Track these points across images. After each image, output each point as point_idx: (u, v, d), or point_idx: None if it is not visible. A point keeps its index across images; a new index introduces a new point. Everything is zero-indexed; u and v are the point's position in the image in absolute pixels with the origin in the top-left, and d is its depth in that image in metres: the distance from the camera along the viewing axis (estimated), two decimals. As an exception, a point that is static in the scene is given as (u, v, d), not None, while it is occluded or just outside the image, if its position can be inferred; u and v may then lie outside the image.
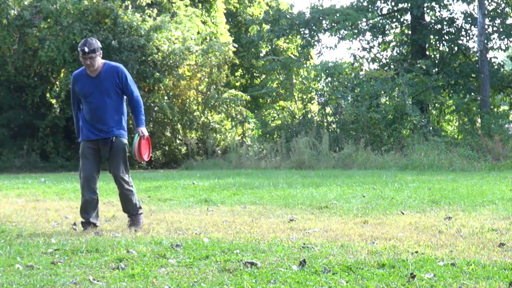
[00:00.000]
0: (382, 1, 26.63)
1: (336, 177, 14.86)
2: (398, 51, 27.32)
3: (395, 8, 26.95)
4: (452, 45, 26.23)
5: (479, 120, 22.03)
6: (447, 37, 26.18)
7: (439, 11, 26.34)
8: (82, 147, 7.18)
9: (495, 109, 24.25)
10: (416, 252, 5.36)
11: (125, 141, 7.23)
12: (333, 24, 25.98)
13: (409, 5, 25.49)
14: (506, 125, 21.25)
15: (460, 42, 26.21)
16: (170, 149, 25.65)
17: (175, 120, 24.18)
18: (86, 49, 6.88)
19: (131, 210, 7.21)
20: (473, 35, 26.00)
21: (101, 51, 7.08)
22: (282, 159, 20.96)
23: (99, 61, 7.05)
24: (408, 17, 27.00)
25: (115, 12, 22.86)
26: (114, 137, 7.10)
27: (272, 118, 25.19)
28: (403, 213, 7.99)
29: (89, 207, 7.09)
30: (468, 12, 25.98)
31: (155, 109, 24.32)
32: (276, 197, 10.39)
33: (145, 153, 7.17)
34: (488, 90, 22.59)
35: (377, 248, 5.55)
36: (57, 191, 12.30)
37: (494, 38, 25.57)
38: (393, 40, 27.57)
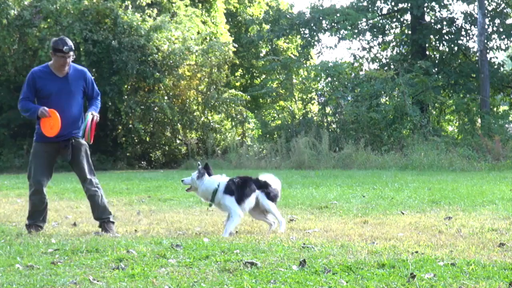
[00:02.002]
0: (382, 1, 26.62)
1: (336, 177, 14.86)
2: (398, 51, 27.31)
3: (395, 8, 26.94)
4: (452, 45, 26.23)
5: (479, 120, 22.03)
6: (447, 37, 26.18)
7: (439, 11, 26.34)
8: (35, 148, 6.96)
9: (495, 109, 24.24)
10: (416, 252, 5.36)
11: (84, 141, 7.06)
12: (333, 24, 25.97)
13: (409, 5, 25.49)
14: (506, 125, 21.24)
15: (460, 42, 26.21)
16: (170, 149, 25.64)
17: (175, 120, 24.18)
18: (67, 48, 6.70)
19: (102, 214, 6.97)
20: (473, 35, 25.99)
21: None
22: (282, 159, 20.95)
23: (71, 60, 6.88)
24: (408, 17, 27.00)
25: (115, 12, 22.85)
26: (73, 139, 6.94)
27: (272, 118, 25.19)
28: (403, 213, 7.99)
29: (37, 211, 6.94)
30: (468, 12, 25.98)
31: (155, 109, 24.31)
32: (276, 197, 10.38)
33: (92, 136, 6.94)
34: (488, 90, 22.59)
35: (377, 248, 5.55)
36: (57, 191, 12.30)
37: (494, 38, 25.56)
38: (393, 40, 27.57)
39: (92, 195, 6.98)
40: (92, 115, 6.90)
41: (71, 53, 6.77)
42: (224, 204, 6.63)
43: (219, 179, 6.73)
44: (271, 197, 6.80)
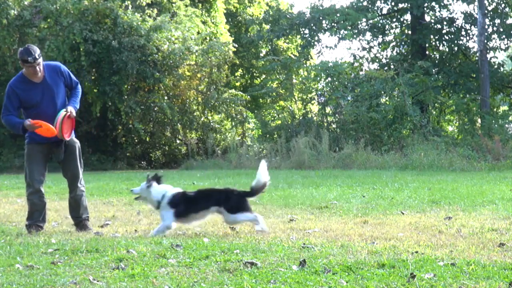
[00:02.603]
0: (382, 1, 26.62)
1: (336, 177, 14.86)
2: (398, 51, 27.31)
3: (395, 8, 26.95)
4: (452, 45, 26.23)
5: (479, 120, 22.03)
6: (447, 37, 26.18)
7: (439, 11, 26.34)
8: (29, 149, 6.99)
9: (495, 109, 24.24)
10: (416, 252, 5.36)
11: (76, 139, 7.10)
12: (333, 24, 25.98)
13: (409, 5, 25.49)
14: (506, 125, 21.24)
15: (460, 42, 26.21)
16: (170, 149, 25.65)
17: (175, 120, 24.18)
18: (36, 57, 6.68)
19: (83, 213, 7.09)
20: (473, 35, 26.00)
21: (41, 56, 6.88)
22: (282, 159, 20.95)
23: (41, 65, 6.86)
24: (408, 17, 27.00)
25: (115, 12, 22.85)
26: (62, 141, 6.96)
27: (272, 118, 25.19)
28: (403, 213, 7.99)
29: (36, 210, 6.98)
30: (468, 12, 25.99)
31: (155, 109, 24.32)
32: (276, 197, 10.39)
33: (66, 132, 6.88)
34: (488, 90, 22.58)
35: (377, 248, 5.55)
36: (57, 191, 12.30)
37: (494, 38, 25.56)
38: (393, 40, 27.57)
39: (79, 195, 7.08)
40: (66, 111, 6.85)
41: (38, 60, 6.74)
42: (161, 214, 6.73)
43: (167, 190, 6.81)
44: (235, 208, 6.67)
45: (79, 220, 7.09)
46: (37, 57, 6.70)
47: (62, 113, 6.83)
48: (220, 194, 6.85)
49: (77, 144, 7.11)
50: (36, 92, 6.85)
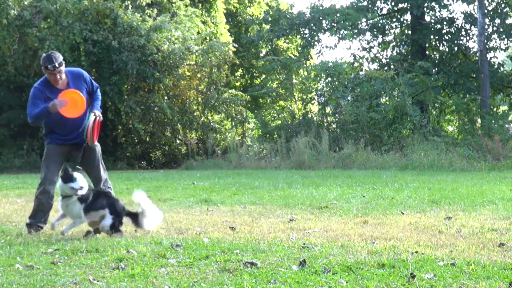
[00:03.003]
0: (382, 1, 26.62)
1: (336, 177, 14.86)
2: (398, 51, 27.31)
3: (395, 8, 26.95)
4: (452, 45, 26.23)
5: (479, 120, 22.03)
6: (447, 37, 26.18)
7: (439, 11, 26.34)
8: (48, 149, 7.02)
9: (495, 109, 24.24)
10: (416, 252, 5.36)
11: (97, 142, 7.13)
12: (333, 24, 25.98)
13: (409, 5, 25.49)
14: (506, 125, 21.24)
15: (460, 42, 26.21)
16: (170, 149, 25.65)
17: (175, 120, 24.17)
18: (56, 65, 6.71)
19: None
20: (473, 35, 26.00)
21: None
22: (282, 159, 20.95)
23: (62, 73, 6.88)
24: (408, 17, 27.00)
25: (115, 12, 22.84)
26: (86, 142, 7.01)
27: (272, 118, 25.18)
28: (403, 213, 7.99)
29: (41, 211, 6.98)
30: (468, 12, 25.98)
31: (155, 109, 24.31)
32: (276, 197, 10.39)
33: (96, 136, 6.97)
34: (488, 90, 22.58)
35: (377, 248, 5.55)
36: (57, 191, 12.27)
37: (494, 38, 25.56)
38: (393, 40, 27.57)
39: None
40: (95, 115, 6.94)
41: (59, 68, 6.77)
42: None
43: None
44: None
45: None
46: (57, 65, 6.73)
47: (92, 117, 6.89)
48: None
49: (97, 146, 7.13)
50: (59, 96, 6.85)
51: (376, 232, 6.52)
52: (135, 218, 6.77)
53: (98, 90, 7.28)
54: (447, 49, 26.53)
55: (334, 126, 23.02)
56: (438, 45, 26.83)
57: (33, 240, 6.27)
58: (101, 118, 7.03)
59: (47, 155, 7.04)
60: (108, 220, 6.59)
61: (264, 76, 28.85)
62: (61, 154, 7.02)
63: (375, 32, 26.59)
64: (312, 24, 26.42)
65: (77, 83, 7.00)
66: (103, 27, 22.96)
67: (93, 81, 7.24)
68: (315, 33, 26.73)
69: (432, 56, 26.82)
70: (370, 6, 26.35)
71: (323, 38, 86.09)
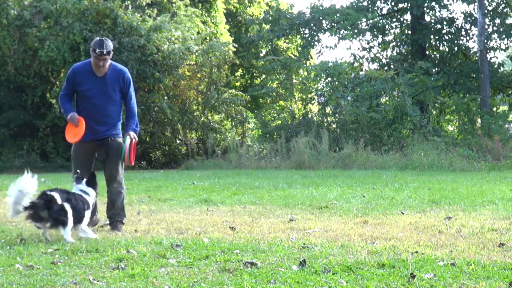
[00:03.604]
0: (382, 1, 26.63)
1: (336, 177, 14.86)
2: (398, 51, 27.32)
3: (395, 8, 26.95)
4: (452, 45, 26.23)
5: (479, 120, 22.03)
6: (447, 37, 26.18)
7: (439, 11, 26.34)
8: (75, 147, 7.05)
9: (495, 109, 24.25)
10: (416, 252, 5.36)
11: (121, 140, 7.12)
12: (333, 24, 25.99)
13: (409, 5, 25.49)
14: (506, 125, 21.24)
15: (460, 42, 26.21)
16: (170, 149, 25.64)
17: (175, 120, 24.17)
18: (104, 52, 6.75)
19: (118, 214, 7.06)
20: (473, 35, 26.00)
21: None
22: (282, 159, 20.94)
23: (107, 62, 6.93)
24: (408, 17, 27.01)
25: (115, 12, 22.84)
26: (109, 138, 7.01)
27: (272, 118, 25.18)
28: (403, 213, 7.99)
29: None
30: (468, 12, 25.99)
31: (155, 109, 24.31)
32: (276, 197, 10.39)
33: (133, 158, 7.06)
34: (488, 90, 22.59)
35: (377, 248, 5.55)
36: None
37: (494, 38, 25.56)
38: (393, 40, 27.57)
39: (114, 196, 7.06)
40: (130, 137, 6.98)
41: (106, 56, 6.80)
42: None
43: None
44: None
45: (112, 220, 7.06)
46: (105, 52, 6.77)
47: (128, 140, 6.94)
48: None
49: (120, 145, 7.09)
50: (91, 84, 6.91)
51: (376, 232, 6.52)
52: None
53: (133, 102, 7.18)
54: (447, 49, 26.54)
55: (334, 126, 23.02)
56: (438, 45, 26.84)
57: (33, 240, 6.27)
58: (136, 139, 7.07)
59: (74, 152, 7.07)
60: None
61: (264, 76, 28.85)
62: (88, 150, 7.02)
63: (375, 32, 26.59)
64: (312, 24, 26.42)
65: (115, 77, 7.00)
66: (103, 27, 22.96)
67: (132, 87, 7.21)
68: (315, 33, 26.74)
69: (432, 56, 26.82)
70: (370, 6, 26.36)
71: (323, 38, 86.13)
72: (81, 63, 7.13)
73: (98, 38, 6.91)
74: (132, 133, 7.01)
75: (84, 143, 6.98)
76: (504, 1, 25.43)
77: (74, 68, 7.05)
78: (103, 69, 6.91)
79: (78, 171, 6.85)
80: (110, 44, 6.85)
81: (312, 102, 24.20)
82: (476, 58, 24.04)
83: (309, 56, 28.48)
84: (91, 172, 6.93)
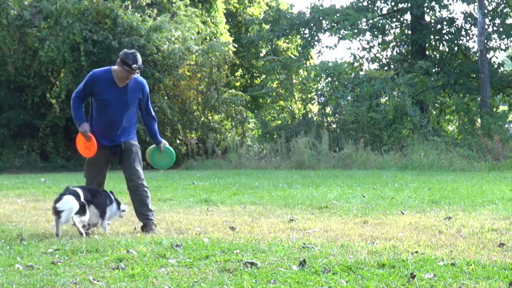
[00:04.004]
0: (382, 1, 26.63)
1: (336, 177, 14.86)
2: (398, 51, 27.32)
3: (395, 8, 26.95)
4: (452, 45, 26.23)
5: (479, 120, 22.03)
6: (447, 37, 26.19)
7: (439, 11, 26.35)
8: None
9: (494, 109, 24.26)
10: (416, 252, 5.36)
11: (136, 143, 7.08)
12: (333, 24, 25.98)
13: (409, 5, 25.49)
14: (506, 125, 21.24)
15: (460, 42, 26.21)
16: (170, 149, 25.61)
17: (175, 120, 24.17)
18: (135, 66, 6.65)
19: (152, 214, 6.97)
20: (473, 35, 26.00)
21: None
22: (282, 159, 20.95)
23: None
24: (408, 17, 27.01)
25: (115, 12, 22.84)
26: (122, 144, 6.96)
27: (272, 118, 25.18)
28: (403, 213, 7.99)
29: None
30: (468, 12, 25.99)
31: (155, 109, 24.30)
32: (276, 197, 10.39)
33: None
34: (488, 90, 22.59)
35: (377, 248, 5.55)
36: (57, 191, 12.25)
37: (494, 38, 25.57)
38: (393, 40, 27.57)
39: (140, 195, 6.97)
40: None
41: (138, 71, 6.75)
42: None
43: None
44: None
45: (145, 220, 6.91)
46: (139, 67, 6.69)
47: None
48: None
49: (136, 146, 7.04)
50: (112, 93, 6.79)
51: (376, 232, 6.52)
52: None
53: (155, 116, 7.20)
54: (447, 49, 26.54)
55: (334, 126, 23.02)
56: (438, 45, 26.84)
57: (33, 240, 6.27)
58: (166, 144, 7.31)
59: (89, 160, 7.01)
60: None
61: (264, 76, 28.85)
62: (103, 155, 6.95)
63: (375, 32, 26.59)
64: (312, 24, 26.43)
65: (135, 89, 6.92)
66: (103, 27, 22.96)
67: (150, 103, 7.16)
68: (315, 33, 26.74)
69: (432, 56, 26.83)
70: (370, 6, 26.36)
71: (323, 38, 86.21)
72: (101, 71, 6.93)
73: (130, 51, 6.77)
74: (164, 143, 7.26)
75: (100, 150, 6.90)
76: (504, 1, 25.43)
77: (94, 75, 6.86)
78: (124, 81, 6.83)
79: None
80: (140, 59, 6.79)
81: (312, 102, 24.20)
82: (476, 58, 24.04)
83: (309, 56, 28.48)
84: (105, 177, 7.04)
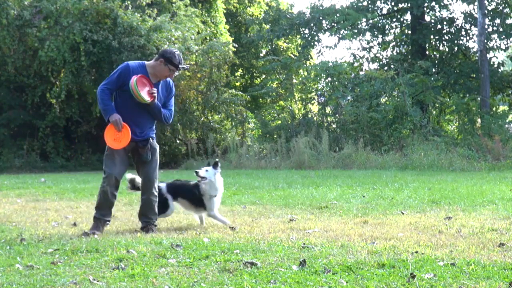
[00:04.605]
0: (382, 1, 26.64)
1: (336, 177, 14.86)
2: (398, 51, 27.32)
3: (395, 8, 26.95)
4: (452, 45, 26.24)
5: (479, 120, 22.04)
6: (447, 37, 26.19)
7: (439, 11, 26.35)
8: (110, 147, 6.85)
9: (494, 109, 24.26)
10: (416, 252, 5.36)
11: (157, 144, 7.09)
12: (333, 24, 25.99)
13: (409, 5, 25.49)
14: (506, 125, 21.24)
15: (460, 42, 26.21)
16: (170, 149, 25.63)
17: (175, 120, 24.17)
18: (181, 67, 6.71)
19: (152, 216, 6.97)
20: (473, 35, 26.00)
21: None
22: (282, 159, 20.95)
23: None
24: (408, 17, 27.01)
25: (115, 12, 22.84)
26: (151, 138, 6.96)
27: (272, 118, 25.18)
28: (403, 213, 7.99)
29: (108, 206, 6.87)
30: (468, 12, 25.99)
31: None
32: (276, 197, 10.39)
33: (147, 94, 6.89)
34: (488, 90, 22.59)
35: (377, 248, 5.55)
36: (57, 191, 12.29)
37: (494, 38, 25.57)
38: (393, 40, 27.58)
39: (152, 199, 6.97)
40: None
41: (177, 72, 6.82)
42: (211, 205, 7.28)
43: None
44: None
45: (147, 223, 6.92)
46: (185, 68, 6.86)
47: (133, 77, 6.66)
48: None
49: (157, 147, 7.03)
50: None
51: (376, 232, 6.52)
52: None
53: (172, 113, 7.11)
54: (447, 49, 26.54)
55: (334, 126, 23.02)
56: (438, 45, 26.84)
57: (33, 240, 6.27)
58: (155, 94, 6.80)
59: (109, 154, 6.86)
60: None
61: (264, 76, 28.85)
62: (124, 149, 6.83)
63: (375, 32, 26.60)
64: (312, 24, 26.43)
65: (165, 87, 6.95)
66: (103, 27, 22.96)
67: (173, 99, 7.12)
68: (315, 33, 26.75)
69: (432, 56, 26.83)
70: (370, 6, 26.36)
71: (323, 38, 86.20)
72: (136, 64, 6.87)
73: (174, 50, 6.79)
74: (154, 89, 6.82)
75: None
76: (504, 1, 25.43)
77: (130, 66, 6.78)
78: (162, 79, 6.82)
79: (217, 160, 7.28)
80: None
81: (312, 102, 24.20)
82: (476, 58, 24.04)
83: (309, 56, 28.49)
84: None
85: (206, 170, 7.19)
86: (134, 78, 6.64)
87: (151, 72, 6.81)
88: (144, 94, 6.70)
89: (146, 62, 6.95)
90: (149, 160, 6.93)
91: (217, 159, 7.59)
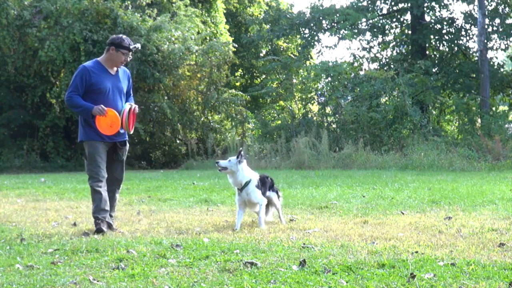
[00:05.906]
0: (382, 1, 26.63)
1: (336, 177, 14.86)
2: (398, 51, 27.32)
3: (395, 8, 26.95)
4: (452, 45, 26.23)
5: (479, 120, 22.04)
6: (447, 37, 26.19)
7: (439, 11, 26.35)
8: (92, 146, 6.88)
9: (494, 109, 24.25)
10: (416, 252, 5.36)
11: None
12: (333, 24, 25.99)
13: (409, 5, 25.49)
14: (506, 125, 21.24)
15: (460, 42, 26.21)
16: (170, 149, 25.64)
17: (175, 120, 24.17)
18: (133, 47, 6.87)
19: (113, 212, 7.21)
20: (473, 35, 26.00)
21: None
22: (282, 159, 20.95)
23: None
24: (408, 17, 27.01)
25: (115, 12, 22.84)
26: (126, 140, 7.12)
27: (272, 118, 25.18)
28: (403, 213, 7.99)
29: (106, 205, 6.88)
30: (468, 12, 25.99)
31: (155, 109, 24.31)
32: (276, 197, 10.38)
33: (131, 125, 7.00)
34: (488, 90, 22.59)
35: (377, 248, 5.55)
36: (57, 191, 12.29)
37: (494, 38, 25.57)
38: (393, 40, 27.58)
39: (114, 196, 7.17)
40: (130, 105, 6.97)
41: (131, 54, 6.96)
42: (253, 196, 7.06)
43: (252, 177, 7.19)
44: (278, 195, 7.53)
45: (99, 219, 6.94)
46: (137, 47, 6.97)
47: (127, 106, 6.90)
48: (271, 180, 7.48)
49: (127, 146, 7.20)
50: (108, 81, 6.88)
51: (376, 232, 6.52)
52: None
53: (132, 98, 7.33)
54: (447, 49, 26.54)
55: (334, 126, 23.02)
56: (438, 45, 26.84)
57: (33, 240, 6.27)
58: (137, 109, 7.03)
59: (93, 153, 6.89)
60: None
61: (264, 76, 28.86)
62: (104, 149, 6.95)
63: (375, 32, 26.60)
64: (312, 24, 26.43)
65: (124, 76, 7.11)
66: (103, 27, 22.96)
67: (132, 86, 7.32)
68: (315, 33, 26.74)
69: (432, 56, 26.83)
70: (370, 6, 26.36)
71: (323, 38, 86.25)
72: (90, 63, 6.96)
73: (118, 35, 6.98)
74: (132, 103, 7.04)
75: (105, 143, 6.94)
76: (504, 1, 25.43)
77: (88, 67, 6.87)
78: (117, 67, 6.97)
79: (241, 149, 7.34)
80: None
81: (312, 102, 24.20)
82: (476, 58, 24.04)
83: (309, 56, 28.49)
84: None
85: (229, 160, 7.19)
86: (128, 107, 6.87)
87: (106, 65, 6.94)
88: (131, 125, 6.96)
89: (99, 58, 7.04)
90: (121, 160, 7.13)
91: (241, 148, 7.61)
